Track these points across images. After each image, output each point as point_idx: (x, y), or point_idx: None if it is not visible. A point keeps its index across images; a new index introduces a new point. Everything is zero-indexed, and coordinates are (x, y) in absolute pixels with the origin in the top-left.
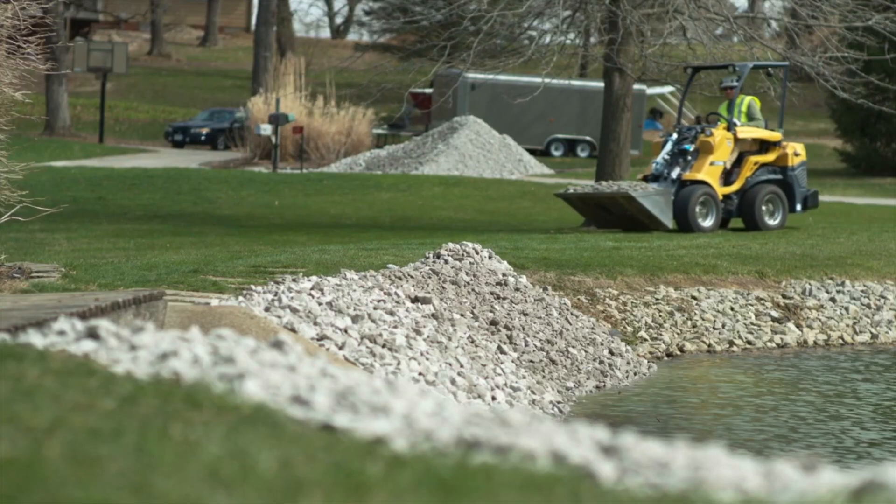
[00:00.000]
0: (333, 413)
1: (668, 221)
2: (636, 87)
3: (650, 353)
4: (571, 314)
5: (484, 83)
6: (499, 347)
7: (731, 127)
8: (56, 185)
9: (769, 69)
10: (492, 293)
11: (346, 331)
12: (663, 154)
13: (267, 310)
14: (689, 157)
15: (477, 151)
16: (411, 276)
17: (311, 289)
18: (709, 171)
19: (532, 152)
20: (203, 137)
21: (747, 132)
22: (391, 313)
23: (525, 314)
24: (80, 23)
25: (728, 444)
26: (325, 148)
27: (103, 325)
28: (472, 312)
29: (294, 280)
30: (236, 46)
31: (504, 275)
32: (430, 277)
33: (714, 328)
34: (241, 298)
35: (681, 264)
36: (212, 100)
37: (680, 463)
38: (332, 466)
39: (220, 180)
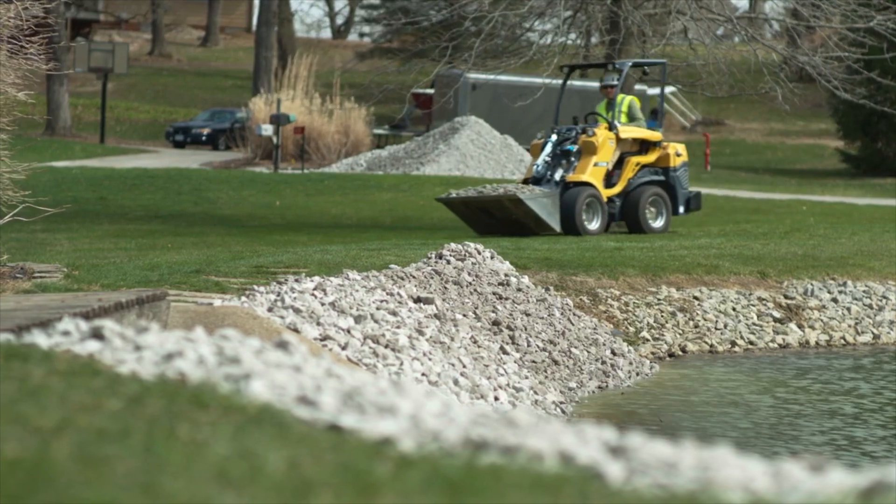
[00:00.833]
0: (340, 413)
1: (556, 225)
2: (637, 87)
3: (652, 353)
4: (574, 314)
5: (485, 83)
6: (501, 348)
7: (612, 127)
8: (57, 185)
9: (645, 67)
10: (494, 293)
11: (348, 331)
12: (543, 156)
13: (270, 310)
14: (573, 159)
15: (478, 152)
16: (413, 277)
17: (314, 289)
18: (593, 173)
19: None
20: (204, 138)
21: (629, 132)
22: (394, 313)
23: (527, 314)
24: (81, 23)
25: (732, 444)
26: (325, 148)
27: (108, 325)
28: (475, 313)
29: (297, 280)
30: (237, 47)
31: (506, 275)
32: (432, 278)
33: (716, 328)
34: (243, 299)
35: (682, 264)
36: (212, 100)
37: (688, 463)
38: (341, 467)
39: (221, 180)
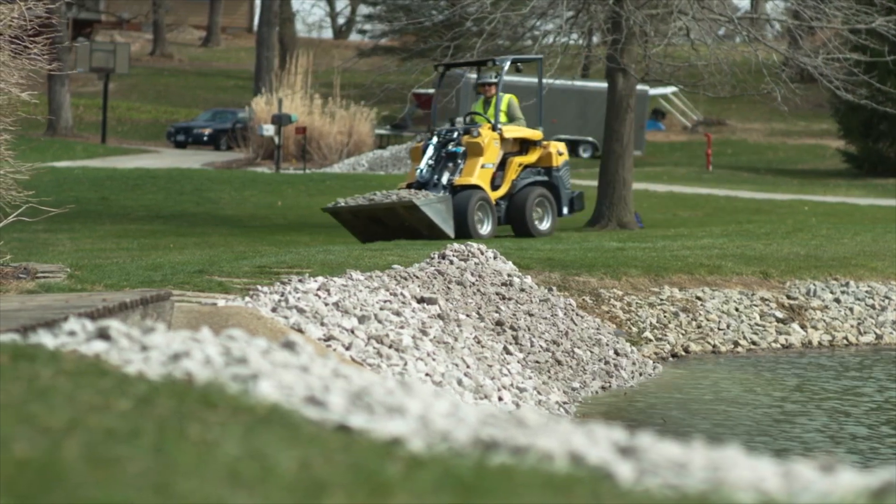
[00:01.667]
0: (349, 414)
1: (451, 230)
2: (639, 87)
3: (655, 353)
4: (577, 315)
5: None
6: (505, 348)
7: (495, 127)
8: (59, 185)
9: (518, 64)
10: (497, 294)
11: (352, 331)
12: (426, 159)
13: (274, 310)
14: (459, 161)
15: None
16: (417, 277)
17: (318, 289)
18: (481, 175)
19: None
20: (205, 138)
21: (513, 132)
22: (397, 314)
23: (530, 315)
24: (83, 23)
25: (738, 444)
26: (327, 148)
27: (114, 325)
28: (478, 313)
29: (300, 280)
30: (238, 47)
31: (509, 275)
32: (435, 278)
33: (719, 329)
34: (247, 299)
35: (685, 265)
36: (214, 100)
37: (698, 464)
38: (352, 467)
39: (223, 181)
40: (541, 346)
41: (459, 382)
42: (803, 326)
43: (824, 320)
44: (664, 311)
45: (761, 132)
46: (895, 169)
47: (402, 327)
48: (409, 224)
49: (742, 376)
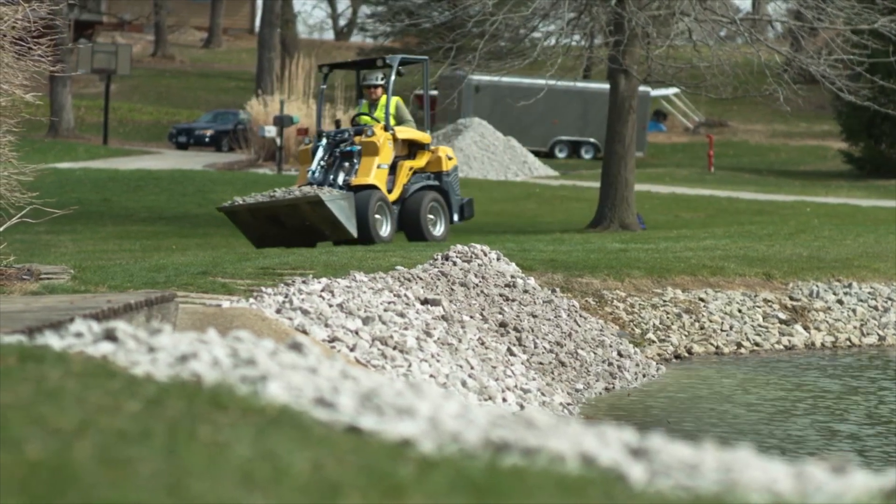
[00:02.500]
0: (358, 415)
1: (354, 229)
2: (640, 88)
3: (658, 354)
4: (580, 316)
5: (488, 85)
6: (508, 349)
7: (387, 127)
8: (61, 186)
9: (399, 68)
10: (501, 295)
11: (356, 333)
12: (318, 160)
13: (278, 312)
14: (355, 160)
15: (481, 153)
16: (420, 278)
17: (322, 291)
18: (377, 175)
19: (536, 154)
20: (207, 139)
21: (405, 133)
22: (401, 315)
23: (534, 316)
24: (84, 24)
25: (745, 446)
26: None
27: (121, 326)
28: (482, 314)
29: (304, 282)
30: (240, 48)
31: (512, 276)
32: (439, 279)
33: (722, 330)
34: (251, 300)
35: (688, 266)
36: (215, 101)
37: (710, 465)
38: (364, 468)
39: (225, 182)
40: (544, 348)
41: (463, 384)
42: (806, 328)
43: (827, 322)
44: (667, 313)
45: (763, 133)
46: None
47: (406, 329)
48: (310, 223)
49: (746, 377)
